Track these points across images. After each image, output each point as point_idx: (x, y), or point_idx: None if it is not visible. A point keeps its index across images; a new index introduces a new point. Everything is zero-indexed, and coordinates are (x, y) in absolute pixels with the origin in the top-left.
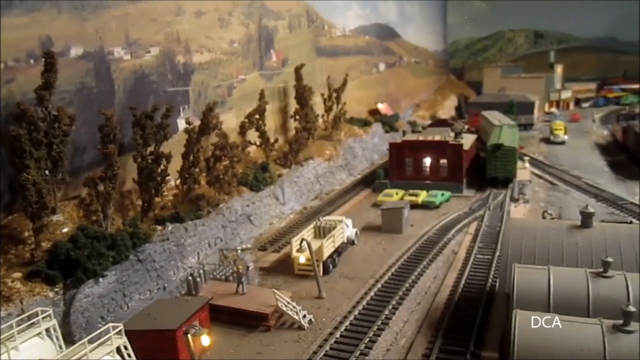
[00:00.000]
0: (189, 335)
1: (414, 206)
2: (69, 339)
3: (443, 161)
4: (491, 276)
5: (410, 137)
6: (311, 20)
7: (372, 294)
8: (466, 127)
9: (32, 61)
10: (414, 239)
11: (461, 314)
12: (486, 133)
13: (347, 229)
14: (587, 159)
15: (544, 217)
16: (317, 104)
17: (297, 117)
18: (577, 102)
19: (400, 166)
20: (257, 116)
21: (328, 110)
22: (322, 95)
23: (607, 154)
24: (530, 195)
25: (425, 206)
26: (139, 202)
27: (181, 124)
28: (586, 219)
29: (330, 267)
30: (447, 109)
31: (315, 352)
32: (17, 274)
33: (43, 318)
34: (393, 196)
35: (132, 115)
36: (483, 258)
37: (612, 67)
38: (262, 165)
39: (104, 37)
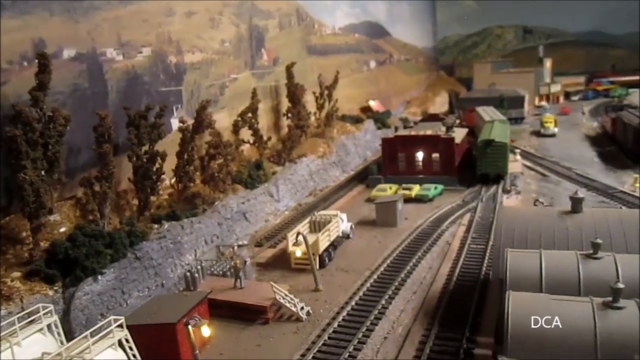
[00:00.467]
0: (190, 327)
1: (408, 200)
2: (70, 336)
3: (435, 155)
4: (485, 265)
5: (403, 132)
6: (301, 19)
7: (368, 285)
8: (457, 121)
9: (25, 63)
10: (408, 231)
11: (456, 302)
12: (480, 129)
13: (342, 223)
14: (578, 151)
15: (535, 206)
16: (309, 102)
17: (290, 115)
18: (567, 95)
19: (393, 161)
20: (249, 115)
21: (320, 108)
22: (314, 93)
23: (597, 145)
24: (522, 187)
25: (419, 200)
26: (135, 202)
27: (175, 123)
28: (576, 204)
29: (327, 260)
30: (438, 105)
31: (313, 343)
32: (17, 274)
33: (44, 314)
34: (387, 191)
35: (126, 115)
36: (477, 248)
37: (600, 60)
38: (256, 163)
39: (96, 39)
